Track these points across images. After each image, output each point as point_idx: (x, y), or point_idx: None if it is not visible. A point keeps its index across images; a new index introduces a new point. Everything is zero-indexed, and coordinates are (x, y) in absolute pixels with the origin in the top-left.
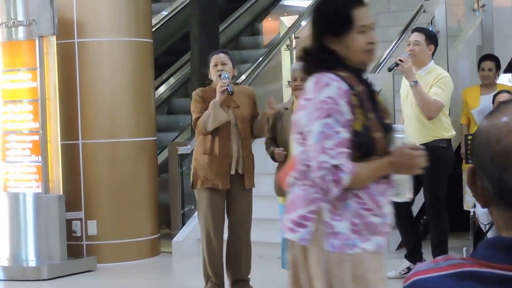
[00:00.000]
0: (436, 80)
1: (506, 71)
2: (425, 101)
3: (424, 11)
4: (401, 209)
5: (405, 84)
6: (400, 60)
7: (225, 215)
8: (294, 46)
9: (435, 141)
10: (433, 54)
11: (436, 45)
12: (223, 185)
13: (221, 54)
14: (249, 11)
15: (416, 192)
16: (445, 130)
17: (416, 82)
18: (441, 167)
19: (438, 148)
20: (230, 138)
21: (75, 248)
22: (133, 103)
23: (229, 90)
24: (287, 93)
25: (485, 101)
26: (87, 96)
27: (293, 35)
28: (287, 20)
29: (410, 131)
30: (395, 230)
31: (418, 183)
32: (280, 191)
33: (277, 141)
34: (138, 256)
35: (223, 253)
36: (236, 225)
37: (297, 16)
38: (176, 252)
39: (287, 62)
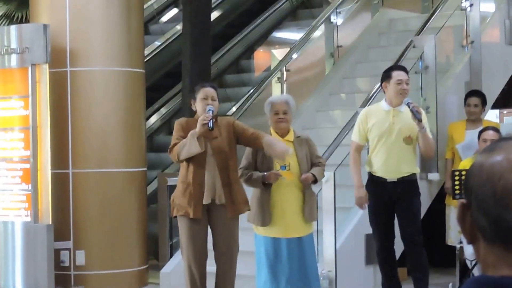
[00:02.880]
0: (424, 120)
1: (494, 107)
2: (430, 143)
3: (413, 46)
4: (385, 244)
5: (381, 119)
6: (416, 109)
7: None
8: (284, 79)
9: (413, 174)
10: None
11: None
12: (194, 214)
13: (211, 89)
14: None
15: (390, 230)
16: (416, 166)
17: (425, 128)
18: (418, 197)
19: (414, 181)
20: (205, 167)
21: (63, 278)
22: (124, 132)
23: (210, 125)
24: None
25: (470, 137)
26: (78, 125)
27: (284, 68)
28: (279, 53)
29: (391, 165)
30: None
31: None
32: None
33: (259, 171)
34: (126, 286)
35: (206, 285)
36: (219, 257)
37: (288, 49)
38: (164, 284)
39: (278, 94)
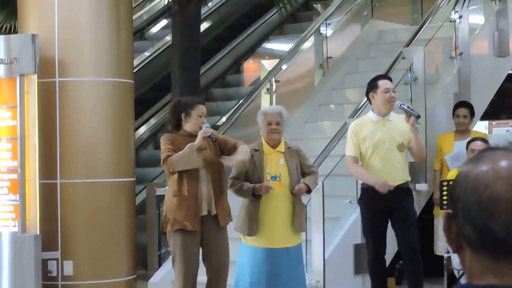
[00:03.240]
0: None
1: (483, 118)
2: (421, 144)
3: (403, 58)
4: (378, 253)
5: (372, 130)
6: (412, 108)
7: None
8: (274, 90)
9: (406, 182)
10: None
11: None
12: (193, 226)
13: (204, 106)
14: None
15: (383, 239)
16: (408, 173)
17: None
18: (413, 204)
19: (409, 189)
20: (199, 180)
21: None
22: (113, 143)
23: (212, 137)
24: None
25: (459, 148)
26: (67, 135)
27: (274, 79)
28: (268, 64)
29: (388, 173)
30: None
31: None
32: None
33: (250, 181)
34: None
35: None
36: (213, 270)
37: (277, 60)
38: None
39: (267, 105)
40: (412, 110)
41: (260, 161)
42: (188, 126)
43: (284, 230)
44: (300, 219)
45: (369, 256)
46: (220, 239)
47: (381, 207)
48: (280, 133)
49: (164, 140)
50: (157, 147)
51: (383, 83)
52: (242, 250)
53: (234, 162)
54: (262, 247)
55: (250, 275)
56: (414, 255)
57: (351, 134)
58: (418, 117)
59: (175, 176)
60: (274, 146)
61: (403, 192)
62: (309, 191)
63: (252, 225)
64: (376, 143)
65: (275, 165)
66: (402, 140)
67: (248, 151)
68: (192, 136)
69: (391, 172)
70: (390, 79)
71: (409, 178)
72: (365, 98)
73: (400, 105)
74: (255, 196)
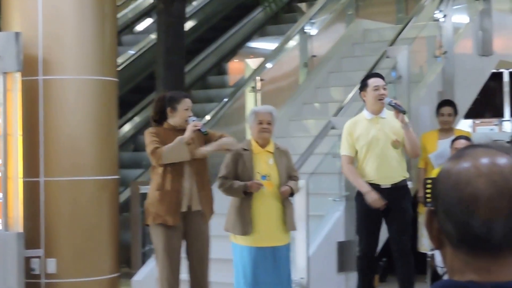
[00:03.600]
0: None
1: (467, 117)
2: (414, 141)
3: (387, 57)
4: (369, 251)
5: (365, 128)
6: (398, 104)
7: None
8: (258, 88)
9: (404, 180)
10: None
11: None
12: (174, 221)
13: (190, 100)
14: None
15: (376, 237)
16: (406, 170)
17: (408, 124)
18: (410, 203)
19: (406, 187)
20: (183, 174)
21: (33, 286)
22: (96, 141)
23: (202, 130)
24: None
25: (443, 146)
26: (50, 133)
27: (258, 77)
28: (253, 62)
29: (385, 171)
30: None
31: (379, 227)
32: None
33: (240, 180)
34: None
35: None
36: (195, 265)
37: (262, 59)
38: None
39: (252, 104)
40: (399, 106)
41: (249, 160)
42: (174, 120)
43: (275, 229)
44: (290, 218)
45: (360, 253)
46: (201, 233)
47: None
48: (271, 132)
49: (149, 133)
50: (137, 149)
51: (373, 81)
52: (235, 250)
53: (217, 144)
54: (253, 246)
55: (245, 275)
56: (407, 259)
57: (346, 133)
58: (403, 112)
59: (160, 169)
60: (263, 145)
61: (400, 191)
62: (292, 194)
63: (246, 225)
64: (369, 141)
65: (265, 164)
66: (397, 137)
67: (234, 142)
68: (177, 130)
69: (388, 170)
70: (382, 77)
71: (407, 175)
72: (349, 97)
73: (389, 101)
74: (246, 194)
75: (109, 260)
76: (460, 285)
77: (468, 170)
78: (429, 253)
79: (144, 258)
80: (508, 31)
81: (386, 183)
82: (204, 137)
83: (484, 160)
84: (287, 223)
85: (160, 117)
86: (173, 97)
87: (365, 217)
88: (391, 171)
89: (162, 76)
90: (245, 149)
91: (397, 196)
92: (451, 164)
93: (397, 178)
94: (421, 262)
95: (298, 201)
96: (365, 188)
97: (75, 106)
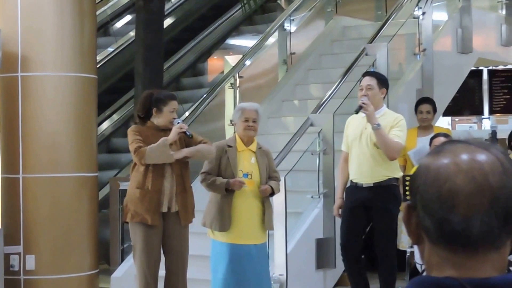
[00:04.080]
0: (395, 123)
1: (445, 114)
2: (387, 143)
3: (366, 54)
4: (352, 253)
5: (356, 125)
6: (364, 103)
7: (161, 252)
8: (237, 85)
9: (389, 179)
10: (384, 97)
11: (387, 88)
12: (153, 221)
13: (176, 102)
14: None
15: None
16: (397, 169)
17: (378, 125)
18: (396, 204)
19: (392, 187)
20: (164, 174)
21: (12, 282)
22: (75, 138)
23: (187, 133)
24: (229, 131)
25: (422, 143)
26: (29, 130)
27: (237, 74)
28: (232, 59)
29: (364, 170)
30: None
31: (367, 221)
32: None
33: (222, 176)
34: None
35: None
36: (173, 264)
37: (241, 56)
38: None
39: (231, 101)
40: (363, 103)
41: (233, 157)
42: (158, 120)
43: (253, 227)
44: (269, 217)
45: (340, 245)
46: (180, 234)
47: (357, 203)
48: (256, 130)
49: (132, 132)
50: (110, 150)
51: (361, 82)
52: (213, 247)
53: (195, 150)
54: (231, 243)
55: (220, 271)
56: (389, 262)
57: (345, 128)
58: (360, 108)
59: (141, 168)
60: (247, 143)
61: (382, 190)
62: (272, 194)
63: (225, 221)
64: (353, 139)
65: (247, 162)
66: None
67: (211, 151)
68: (159, 130)
69: (369, 169)
70: (371, 75)
71: (397, 175)
72: (328, 94)
73: (362, 100)
74: (228, 191)
75: (88, 257)
76: (437, 280)
77: (448, 166)
78: (408, 250)
79: (123, 255)
80: (487, 28)
81: (367, 182)
82: (187, 140)
83: (464, 156)
84: (265, 222)
85: (145, 115)
86: (160, 98)
87: (344, 212)
88: (372, 170)
89: (141, 73)
90: (229, 146)
91: (378, 195)
92: (430, 159)
93: (378, 178)
94: (401, 259)
95: (277, 198)
96: (337, 193)
97: (54, 102)
